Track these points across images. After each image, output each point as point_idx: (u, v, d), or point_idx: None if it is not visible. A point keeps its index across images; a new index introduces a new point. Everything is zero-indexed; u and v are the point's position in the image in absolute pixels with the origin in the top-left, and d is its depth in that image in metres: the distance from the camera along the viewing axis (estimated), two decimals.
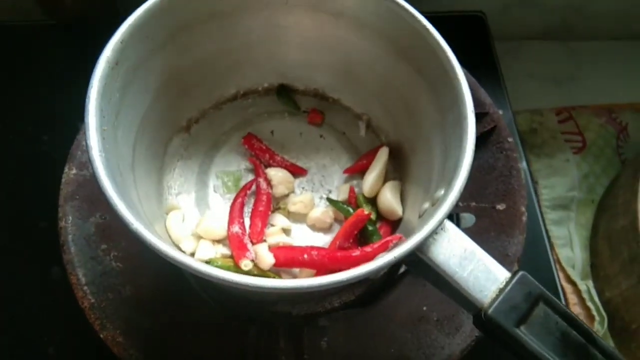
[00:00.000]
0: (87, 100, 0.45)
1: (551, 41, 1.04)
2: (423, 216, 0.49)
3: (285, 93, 0.69)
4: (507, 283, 0.42)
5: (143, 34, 0.50)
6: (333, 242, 0.58)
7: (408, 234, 0.55)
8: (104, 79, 0.46)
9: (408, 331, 0.54)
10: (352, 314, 0.56)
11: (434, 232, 0.42)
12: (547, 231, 0.73)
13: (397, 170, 0.64)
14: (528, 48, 1.03)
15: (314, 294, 0.56)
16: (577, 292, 0.79)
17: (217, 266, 0.54)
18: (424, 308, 0.55)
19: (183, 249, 0.57)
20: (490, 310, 0.41)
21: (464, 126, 0.47)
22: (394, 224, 0.61)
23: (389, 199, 0.60)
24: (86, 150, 0.43)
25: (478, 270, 0.42)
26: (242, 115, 0.68)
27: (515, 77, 0.94)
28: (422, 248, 0.43)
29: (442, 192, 0.47)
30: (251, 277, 0.38)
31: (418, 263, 0.44)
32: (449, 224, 0.44)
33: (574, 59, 1.03)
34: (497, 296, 0.42)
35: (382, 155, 0.63)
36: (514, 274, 0.42)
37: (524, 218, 0.59)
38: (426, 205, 0.51)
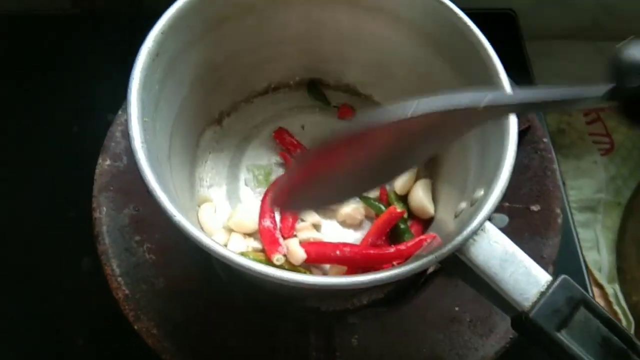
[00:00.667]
0: (129, 91, 0.44)
1: (581, 41, 1.02)
2: (462, 216, 0.48)
3: (316, 88, 0.69)
4: (549, 286, 0.41)
5: (183, 25, 0.50)
6: (365, 239, 0.57)
7: (441, 233, 0.55)
8: (145, 70, 0.46)
9: (440, 332, 0.53)
10: (382, 313, 0.55)
11: (475, 233, 0.42)
12: (577, 233, 0.72)
13: (428, 168, 0.64)
14: (557, 47, 1.01)
15: (345, 291, 0.56)
16: (604, 295, 0.78)
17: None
18: (456, 309, 0.55)
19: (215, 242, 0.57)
20: (531, 314, 0.40)
21: (504, 126, 0.46)
22: (426, 223, 0.60)
23: (421, 197, 0.60)
24: (128, 140, 0.42)
25: (519, 273, 0.42)
26: (273, 109, 0.68)
27: (543, 76, 0.93)
28: (461, 249, 0.42)
29: (482, 192, 0.46)
30: (296, 274, 0.39)
31: (456, 264, 0.43)
32: (489, 225, 0.43)
33: (604, 59, 1.01)
34: (539, 299, 0.41)
35: None
36: (555, 277, 0.42)
37: (559, 220, 0.58)
38: (463, 205, 0.50)
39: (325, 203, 0.47)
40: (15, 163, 0.70)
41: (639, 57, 0.28)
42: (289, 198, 0.41)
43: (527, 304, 0.41)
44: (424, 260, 0.40)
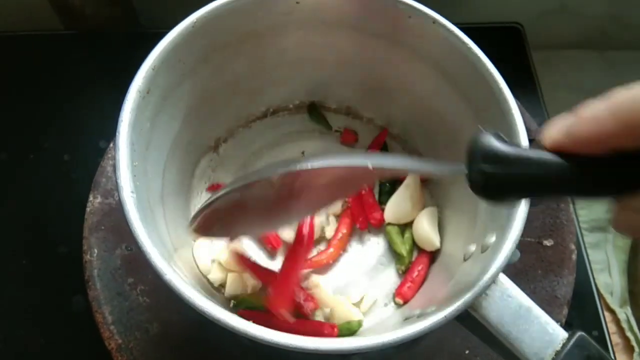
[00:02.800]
0: (117, 134, 0.42)
1: (588, 50, 1.00)
2: (473, 264, 0.46)
3: (316, 112, 0.66)
4: (564, 345, 0.39)
5: (175, 58, 0.48)
6: None
7: (448, 271, 0.52)
8: (135, 110, 0.43)
9: None
10: (389, 354, 0.53)
11: (487, 287, 0.39)
12: (587, 256, 0.69)
13: (435, 197, 0.61)
14: (564, 58, 0.98)
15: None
16: (616, 320, 0.75)
17: (248, 307, 0.52)
18: (466, 352, 0.52)
19: (211, 280, 0.55)
20: None
21: None
22: (433, 254, 0.58)
23: (425, 228, 0.58)
24: (117, 190, 0.40)
25: (533, 330, 0.39)
26: (272, 133, 0.66)
27: (550, 88, 0.90)
28: (473, 304, 0.40)
29: (493, 238, 0.44)
30: (299, 338, 0.36)
31: (467, 318, 0.41)
32: (502, 277, 0.41)
33: (611, 70, 0.99)
34: None
35: (410, 181, 0.60)
36: (571, 335, 0.39)
37: (574, 256, 0.55)
38: (472, 247, 0.47)
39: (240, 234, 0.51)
40: (2, 193, 0.67)
41: (485, 147, 0.32)
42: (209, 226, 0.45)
43: None
44: (433, 321, 0.37)
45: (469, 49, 0.49)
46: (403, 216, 0.60)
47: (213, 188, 0.61)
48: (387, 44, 0.55)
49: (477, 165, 0.32)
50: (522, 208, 0.41)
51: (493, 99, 0.47)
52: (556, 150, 0.29)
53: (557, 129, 0.29)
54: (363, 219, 0.60)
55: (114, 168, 0.41)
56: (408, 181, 0.60)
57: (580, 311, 0.64)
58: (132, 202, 0.39)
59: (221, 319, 0.36)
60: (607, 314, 0.76)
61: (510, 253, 0.40)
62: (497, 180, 0.32)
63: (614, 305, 0.76)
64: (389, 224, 0.60)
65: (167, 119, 0.49)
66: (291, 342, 0.36)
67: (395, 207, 0.60)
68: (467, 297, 0.38)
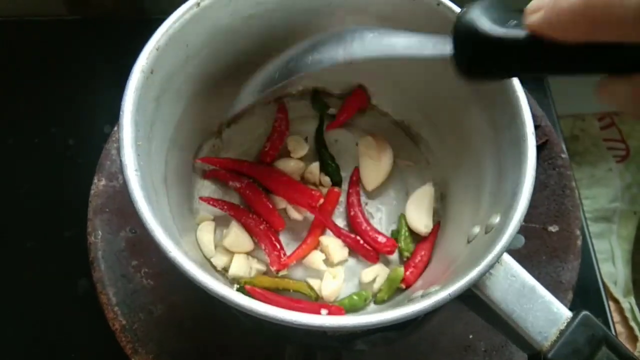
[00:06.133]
0: (121, 114, 0.42)
1: None
2: (476, 244, 0.45)
3: (319, 99, 0.66)
4: (569, 324, 0.39)
5: (179, 39, 0.47)
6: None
7: (451, 255, 0.52)
8: (139, 89, 0.43)
9: None
10: (392, 338, 0.53)
11: (491, 266, 0.39)
12: (592, 245, 0.69)
13: (437, 181, 0.61)
14: None
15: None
16: (620, 310, 0.75)
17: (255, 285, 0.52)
18: (470, 336, 0.52)
19: (214, 264, 0.55)
20: (550, 354, 0.38)
21: (522, 148, 0.44)
22: (435, 240, 0.58)
23: (414, 214, 0.59)
24: (121, 169, 0.40)
25: (537, 309, 0.39)
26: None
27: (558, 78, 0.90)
28: (477, 283, 0.39)
29: (498, 219, 0.43)
30: (303, 315, 0.36)
31: (470, 298, 0.41)
32: (506, 257, 0.41)
33: None
34: (558, 338, 0.39)
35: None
36: (575, 314, 0.39)
37: (579, 242, 0.55)
38: (476, 229, 0.47)
39: None
40: (8, 178, 0.67)
41: (473, 27, 0.31)
42: None
43: (546, 343, 0.39)
44: (437, 299, 0.37)
45: None
46: (376, 176, 0.62)
47: (210, 175, 0.60)
48: (391, 27, 0.55)
49: (464, 47, 0.33)
50: (527, 187, 0.41)
51: (500, 87, 0.47)
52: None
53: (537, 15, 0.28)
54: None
55: (118, 147, 0.41)
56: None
57: (585, 299, 0.64)
58: (136, 180, 0.39)
59: (225, 296, 0.36)
60: (610, 303, 0.76)
61: (515, 231, 0.40)
62: (482, 61, 0.32)
63: (618, 294, 0.76)
64: None
65: (171, 100, 0.49)
66: (296, 319, 0.36)
67: (367, 175, 0.62)
68: (472, 275, 0.38)
